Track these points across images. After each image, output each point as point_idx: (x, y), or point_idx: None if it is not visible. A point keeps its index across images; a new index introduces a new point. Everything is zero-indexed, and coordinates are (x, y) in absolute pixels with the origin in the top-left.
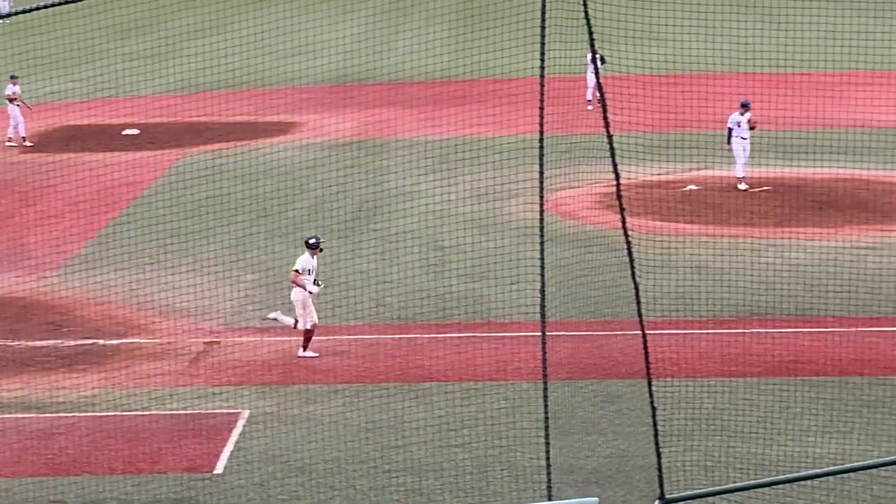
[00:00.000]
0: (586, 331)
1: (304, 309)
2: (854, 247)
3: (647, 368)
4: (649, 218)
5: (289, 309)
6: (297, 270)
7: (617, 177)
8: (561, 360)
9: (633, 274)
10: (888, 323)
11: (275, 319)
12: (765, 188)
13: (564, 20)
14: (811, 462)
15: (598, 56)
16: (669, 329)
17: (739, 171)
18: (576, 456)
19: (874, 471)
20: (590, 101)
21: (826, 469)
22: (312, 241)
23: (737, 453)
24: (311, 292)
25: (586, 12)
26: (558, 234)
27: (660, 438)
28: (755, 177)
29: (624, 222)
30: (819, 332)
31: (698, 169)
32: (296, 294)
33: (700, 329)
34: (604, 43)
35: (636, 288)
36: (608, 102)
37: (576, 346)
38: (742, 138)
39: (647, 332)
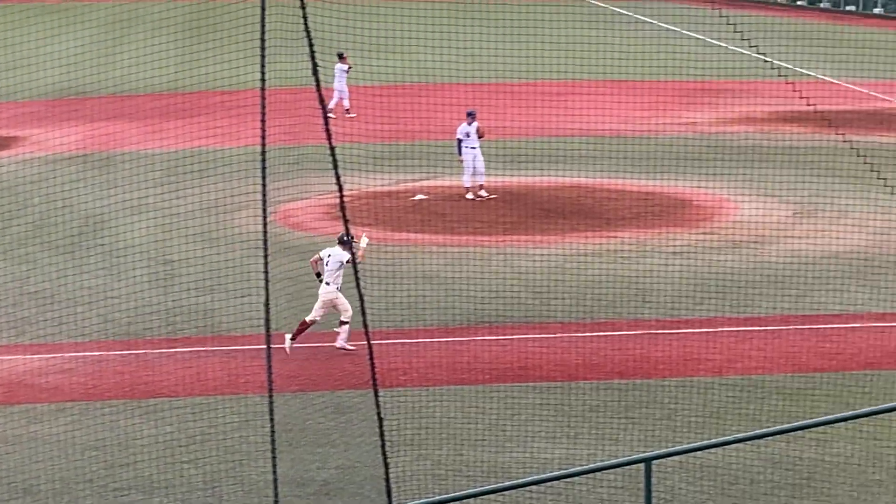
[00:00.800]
0: (317, 342)
1: (324, 306)
2: (578, 253)
3: (374, 379)
4: (379, 228)
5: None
6: (347, 261)
7: (340, 188)
8: (291, 371)
9: (357, 284)
10: (611, 327)
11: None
12: (492, 196)
13: (291, 32)
14: (539, 467)
15: (347, 67)
16: (399, 339)
17: (467, 180)
18: (307, 468)
19: (599, 473)
20: (348, 109)
21: (553, 473)
22: (347, 238)
23: (466, 460)
24: (364, 245)
25: (306, 24)
26: (288, 245)
27: (390, 448)
28: (483, 186)
29: (347, 233)
30: (546, 337)
31: (427, 178)
32: (324, 290)
33: (429, 338)
34: (325, 54)
35: (361, 298)
36: (336, 112)
37: (306, 358)
38: (472, 148)
39: (376, 342)
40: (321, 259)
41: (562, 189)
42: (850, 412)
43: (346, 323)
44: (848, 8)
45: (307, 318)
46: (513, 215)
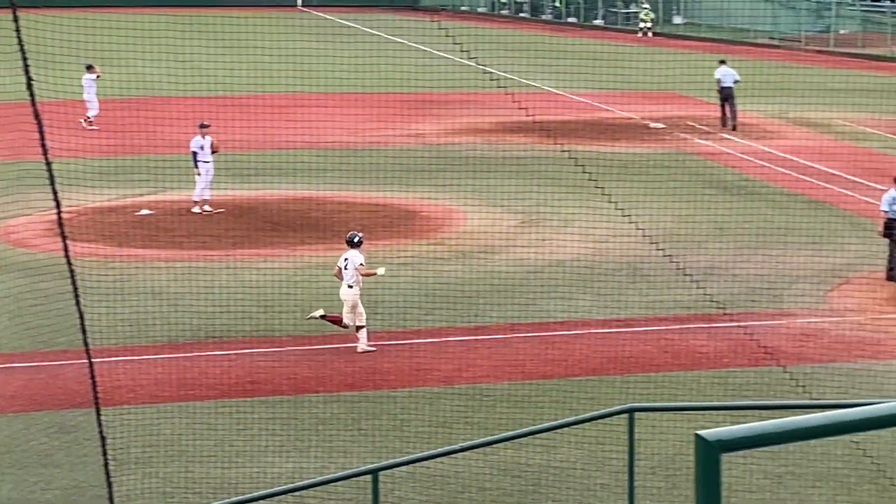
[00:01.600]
0: (41, 361)
1: (354, 309)
2: (307, 266)
3: (96, 397)
4: (103, 244)
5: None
6: (361, 264)
7: (58, 204)
8: (14, 392)
9: (77, 302)
10: (339, 340)
11: (320, 317)
12: (219, 210)
13: (6, 45)
14: (269, 481)
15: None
16: (125, 356)
17: (197, 194)
18: (30, 489)
19: (329, 486)
20: (90, 121)
21: (282, 487)
22: (357, 239)
23: (195, 477)
24: (381, 273)
25: (19, 37)
26: (9, 262)
27: (116, 466)
28: (210, 200)
29: (66, 250)
30: (275, 351)
31: (153, 193)
32: (348, 293)
33: (156, 354)
34: (40, 67)
35: (81, 316)
36: (57, 128)
37: (30, 378)
38: (205, 162)
39: (100, 359)
40: (341, 268)
41: (290, 202)
42: (576, 417)
43: (363, 327)
44: (569, 20)
45: (357, 324)
46: (241, 229)
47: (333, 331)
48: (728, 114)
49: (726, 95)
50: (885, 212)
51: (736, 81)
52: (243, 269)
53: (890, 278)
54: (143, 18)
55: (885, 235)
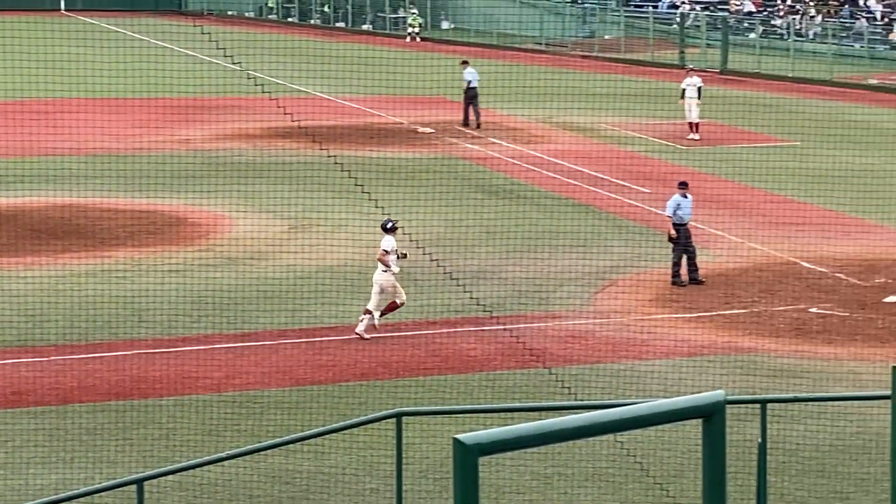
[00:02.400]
0: None
1: (387, 291)
2: (72, 274)
3: None
4: None
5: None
6: (385, 251)
7: None
8: None
9: None
10: (107, 348)
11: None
12: None
13: None
14: (33, 493)
15: None
16: None
17: None
18: None
19: (94, 497)
20: None
21: (47, 498)
22: (389, 225)
23: None
24: (394, 272)
25: None
26: None
27: None
28: None
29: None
30: (39, 361)
31: None
32: (382, 277)
33: None
34: None
35: None
36: None
37: None
38: None
39: None
40: (388, 252)
41: (53, 209)
42: (344, 422)
43: (371, 313)
44: (338, 24)
45: (397, 301)
46: (2, 237)
47: (101, 339)
48: (472, 114)
49: (473, 95)
50: (670, 216)
51: (478, 81)
52: (5, 277)
53: (674, 283)
54: None
55: (672, 240)
